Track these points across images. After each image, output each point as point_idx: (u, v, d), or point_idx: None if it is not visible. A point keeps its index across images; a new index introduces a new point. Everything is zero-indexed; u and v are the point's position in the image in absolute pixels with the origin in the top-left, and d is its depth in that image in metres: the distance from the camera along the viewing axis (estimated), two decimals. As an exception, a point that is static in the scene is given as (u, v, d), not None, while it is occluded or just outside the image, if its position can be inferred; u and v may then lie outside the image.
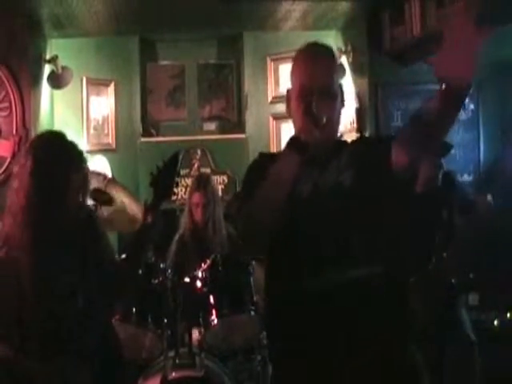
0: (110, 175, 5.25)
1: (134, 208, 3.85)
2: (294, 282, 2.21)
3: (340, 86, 2.36)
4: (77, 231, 2.57)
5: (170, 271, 3.85)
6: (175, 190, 2.85)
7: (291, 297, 2.23)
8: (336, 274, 2.16)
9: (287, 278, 2.25)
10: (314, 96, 2.18)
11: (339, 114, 2.35)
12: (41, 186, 2.49)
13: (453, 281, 3.86)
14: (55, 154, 2.58)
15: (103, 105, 6.34)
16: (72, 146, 2.67)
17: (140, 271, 3.58)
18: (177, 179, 2.88)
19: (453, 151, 4.26)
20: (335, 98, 2.30)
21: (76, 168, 2.61)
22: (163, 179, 2.78)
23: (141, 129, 6.46)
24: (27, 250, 2.44)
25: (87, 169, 2.71)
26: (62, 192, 2.54)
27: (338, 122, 2.36)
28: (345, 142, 2.47)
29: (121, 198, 3.84)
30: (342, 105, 2.37)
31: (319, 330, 2.16)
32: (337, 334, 2.15)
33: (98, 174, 3.80)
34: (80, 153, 2.68)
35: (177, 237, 4.58)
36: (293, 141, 2.17)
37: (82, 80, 6.15)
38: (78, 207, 2.63)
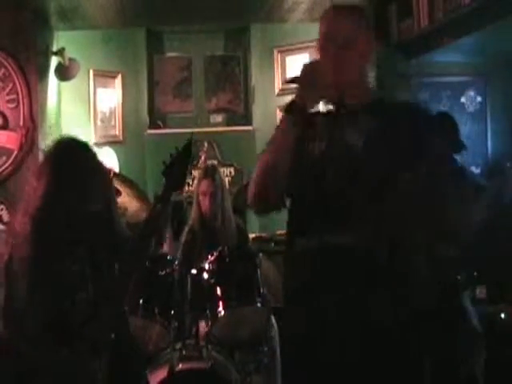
0: (116, 168, 5.27)
1: (137, 204, 3.87)
2: (301, 236, 2.25)
3: (362, 37, 2.27)
4: (90, 224, 2.55)
5: (176, 263, 3.86)
6: (188, 180, 2.76)
7: (299, 249, 2.26)
8: (336, 232, 2.15)
9: (298, 231, 2.28)
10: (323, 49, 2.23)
11: (356, 67, 2.28)
12: (59, 192, 2.49)
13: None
14: (75, 162, 2.58)
15: (110, 97, 6.35)
16: (90, 152, 2.66)
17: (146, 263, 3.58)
18: (190, 168, 2.79)
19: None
20: (342, 47, 2.23)
21: (94, 172, 2.61)
22: (176, 169, 2.72)
23: (148, 121, 6.47)
24: (36, 245, 2.43)
25: (106, 172, 2.69)
26: (82, 198, 2.53)
27: (355, 77, 2.27)
28: (383, 104, 2.35)
29: (126, 191, 3.85)
30: (364, 59, 2.30)
31: (318, 284, 2.18)
32: (334, 291, 2.15)
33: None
34: (95, 157, 2.66)
35: (186, 229, 4.56)
36: (289, 105, 2.18)
37: (89, 72, 6.16)
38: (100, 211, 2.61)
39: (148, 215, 2.76)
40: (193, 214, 4.57)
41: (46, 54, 5.68)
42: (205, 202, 4.47)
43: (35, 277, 2.42)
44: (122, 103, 6.39)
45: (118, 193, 3.81)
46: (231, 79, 6.69)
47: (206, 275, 3.75)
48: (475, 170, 5.59)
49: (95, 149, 2.74)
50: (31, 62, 5.28)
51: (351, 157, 2.19)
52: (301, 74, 2.18)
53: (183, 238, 4.49)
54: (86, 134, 5.72)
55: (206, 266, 3.77)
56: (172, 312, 3.67)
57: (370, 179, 2.14)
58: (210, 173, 4.52)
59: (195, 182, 4.74)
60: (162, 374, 3.37)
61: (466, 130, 5.53)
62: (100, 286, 2.51)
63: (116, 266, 2.59)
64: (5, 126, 5.20)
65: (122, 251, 2.61)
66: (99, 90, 6.28)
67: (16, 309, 2.45)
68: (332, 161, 2.21)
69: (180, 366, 3.43)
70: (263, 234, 5.82)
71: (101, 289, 2.51)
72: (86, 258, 2.50)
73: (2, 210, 5.11)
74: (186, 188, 6.09)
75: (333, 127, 2.27)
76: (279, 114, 6.40)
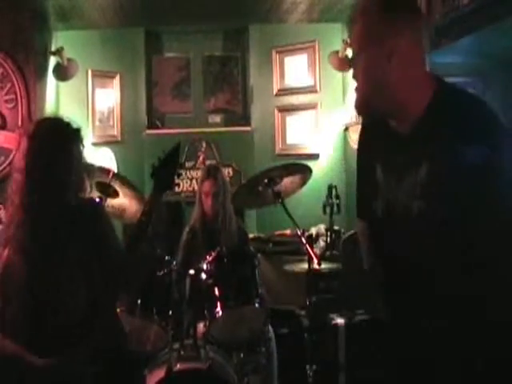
0: (115, 168, 5.26)
1: (135, 204, 3.87)
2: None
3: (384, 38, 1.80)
4: (80, 226, 2.53)
5: (175, 263, 3.85)
6: (177, 181, 2.78)
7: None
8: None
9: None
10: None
11: (375, 76, 1.82)
12: (34, 167, 2.48)
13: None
14: (41, 135, 2.59)
15: (109, 97, 6.35)
16: (62, 126, 2.66)
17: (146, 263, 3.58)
18: (180, 171, 2.82)
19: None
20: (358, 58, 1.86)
21: (66, 147, 2.61)
22: (164, 170, 2.75)
23: (146, 121, 6.48)
24: (28, 246, 2.42)
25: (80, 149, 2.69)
26: (56, 172, 2.52)
27: (375, 89, 1.83)
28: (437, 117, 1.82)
29: (125, 192, 3.85)
30: (394, 58, 1.79)
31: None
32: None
33: (103, 170, 3.81)
34: (70, 132, 2.67)
35: (187, 229, 4.55)
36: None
37: (87, 72, 6.16)
38: (79, 194, 2.59)
39: (139, 217, 2.75)
40: (195, 214, 4.56)
41: (45, 54, 5.67)
42: (207, 202, 4.46)
43: (29, 279, 2.41)
44: (121, 103, 6.39)
45: (116, 193, 3.82)
46: (230, 79, 6.69)
47: (204, 275, 3.75)
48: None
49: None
50: (30, 62, 5.28)
51: (410, 223, 1.84)
52: None
53: (183, 237, 4.49)
54: (84, 134, 5.70)
55: (204, 267, 3.77)
56: (170, 312, 3.67)
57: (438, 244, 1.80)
58: (213, 173, 4.51)
59: (194, 182, 4.73)
60: (159, 374, 3.37)
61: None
62: (95, 289, 2.49)
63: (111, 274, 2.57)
64: (3, 126, 5.20)
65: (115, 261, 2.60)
66: (97, 90, 6.28)
67: (10, 313, 2.44)
68: (393, 227, 1.92)
69: (178, 366, 3.43)
70: (261, 235, 5.83)
71: (95, 293, 2.49)
72: (80, 260, 2.48)
73: (0, 209, 5.11)
74: (184, 189, 6.11)
75: (387, 178, 1.92)
76: (277, 114, 6.41)
